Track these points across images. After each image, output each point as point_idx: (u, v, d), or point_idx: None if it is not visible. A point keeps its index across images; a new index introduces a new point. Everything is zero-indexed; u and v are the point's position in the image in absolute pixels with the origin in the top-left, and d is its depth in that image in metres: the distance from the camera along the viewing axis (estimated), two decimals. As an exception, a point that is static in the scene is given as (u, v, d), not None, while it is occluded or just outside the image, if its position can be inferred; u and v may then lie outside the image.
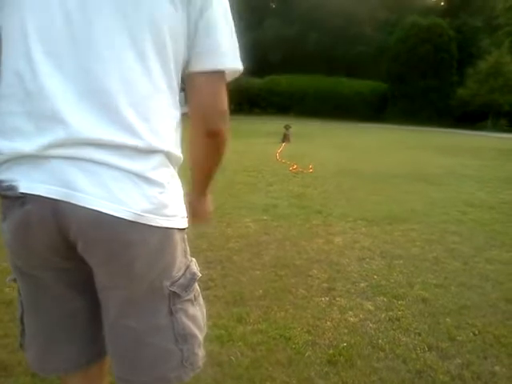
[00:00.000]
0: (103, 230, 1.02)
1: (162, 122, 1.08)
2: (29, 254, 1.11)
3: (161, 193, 1.06)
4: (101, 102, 1.01)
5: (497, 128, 29.64)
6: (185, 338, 1.16)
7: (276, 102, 36.55)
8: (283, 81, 37.12)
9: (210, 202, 1.45)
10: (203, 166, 1.29)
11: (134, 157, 1.03)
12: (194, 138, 1.20)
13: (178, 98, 1.15)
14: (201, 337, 1.21)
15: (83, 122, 1.00)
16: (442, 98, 34.41)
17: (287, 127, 14.72)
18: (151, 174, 1.05)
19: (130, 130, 1.02)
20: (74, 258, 1.09)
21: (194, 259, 1.24)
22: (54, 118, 1.00)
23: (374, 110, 35.80)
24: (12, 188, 1.00)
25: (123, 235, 1.03)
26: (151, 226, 1.04)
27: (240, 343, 2.51)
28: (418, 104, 34.26)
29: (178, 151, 1.13)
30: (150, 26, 1.03)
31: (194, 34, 1.10)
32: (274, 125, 18.68)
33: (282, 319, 2.84)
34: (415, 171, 9.60)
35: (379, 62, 37.37)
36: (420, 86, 34.55)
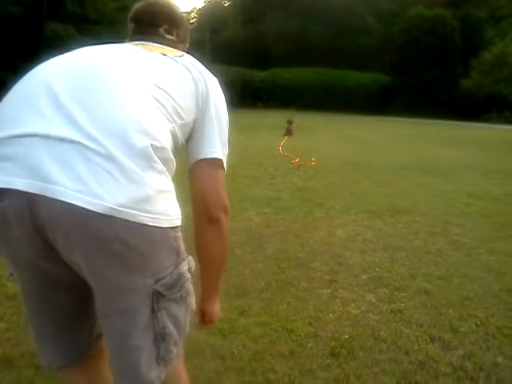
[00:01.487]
0: (76, 225, 0.98)
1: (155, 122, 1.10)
2: (11, 254, 1.11)
3: (142, 186, 1.02)
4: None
5: (501, 120, 29.47)
6: (163, 336, 1.14)
7: (278, 95, 36.48)
8: (286, 74, 37.02)
9: (219, 304, 1.46)
10: (209, 254, 1.32)
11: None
12: (197, 225, 1.26)
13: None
14: (178, 336, 1.18)
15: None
16: (446, 90, 34.25)
17: (290, 121, 14.68)
18: (131, 166, 1.01)
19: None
20: (56, 259, 1.07)
21: (189, 258, 1.20)
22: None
23: (377, 103, 35.68)
24: None
25: (97, 230, 0.99)
26: (130, 221, 0.99)
27: (242, 336, 2.52)
28: (422, 96, 34.09)
29: (165, 144, 1.10)
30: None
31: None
32: (277, 118, 18.62)
33: (284, 311, 2.84)
34: (418, 163, 9.57)
35: (382, 54, 37.18)
36: (424, 77, 34.39)
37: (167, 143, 1.11)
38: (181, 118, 1.18)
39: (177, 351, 1.20)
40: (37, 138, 1.00)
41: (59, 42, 26.26)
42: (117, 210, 0.97)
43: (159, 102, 1.13)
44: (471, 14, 37.65)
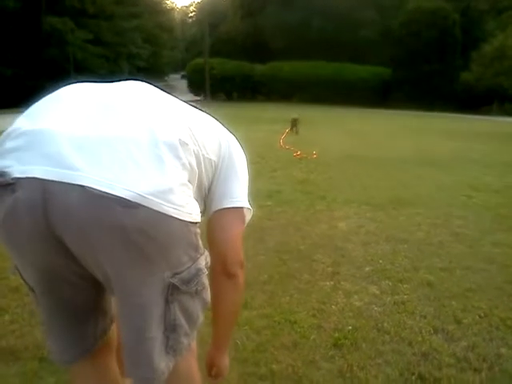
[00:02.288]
0: (95, 212, 0.95)
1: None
2: (18, 246, 1.09)
3: (167, 176, 1.00)
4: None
5: (502, 112, 29.38)
6: (174, 327, 1.14)
7: (279, 88, 36.32)
8: (286, 67, 36.83)
9: (228, 358, 1.47)
10: (223, 305, 1.34)
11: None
12: (214, 275, 1.28)
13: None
14: (190, 328, 1.18)
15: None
16: (446, 83, 34.09)
17: (294, 121, 13.34)
18: (157, 154, 1.01)
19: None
20: (64, 254, 1.05)
21: (206, 253, 1.20)
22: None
23: (377, 96, 35.55)
24: (3, 174, 0.95)
25: (117, 218, 0.96)
26: (153, 210, 0.97)
27: (246, 327, 2.52)
28: (423, 89, 33.94)
29: (191, 148, 1.12)
30: None
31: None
32: (277, 111, 18.59)
33: (286, 303, 2.84)
34: (420, 156, 9.55)
35: (382, 47, 37.00)
36: (424, 70, 34.21)
37: (193, 150, 1.12)
38: (206, 151, 1.19)
39: (187, 342, 1.20)
40: (54, 130, 0.99)
41: (57, 36, 26.20)
42: (142, 196, 0.95)
43: (189, 130, 1.15)
44: (472, 6, 37.45)
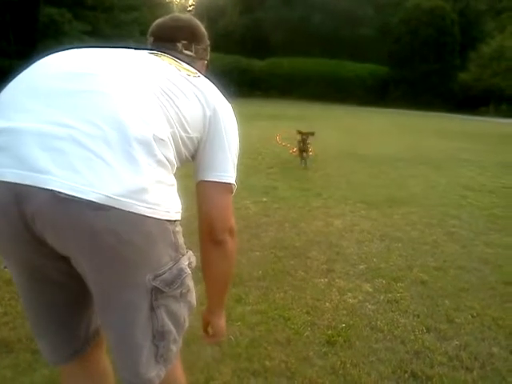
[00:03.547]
0: (66, 216, 0.92)
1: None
2: (1, 248, 1.07)
3: (139, 175, 0.96)
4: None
5: (498, 113, 29.49)
6: (162, 334, 1.11)
7: (277, 84, 36.32)
8: (285, 63, 36.82)
9: (224, 319, 1.44)
10: (214, 274, 1.31)
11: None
12: (202, 244, 1.25)
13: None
14: (177, 333, 1.16)
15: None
16: (443, 83, 34.21)
17: (304, 140, 7.67)
18: (129, 153, 0.96)
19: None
20: (47, 255, 1.03)
21: (190, 253, 1.16)
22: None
23: (375, 94, 35.63)
24: None
25: (88, 222, 0.93)
26: (125, 211, 0.93)
27: (239, 323, 2.52)
28: (420, 88, 34.06)
29: (166, 140, 1.05)
30: None
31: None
32: (275, 108, 18.57)
33: (281, 300, 2.84)
34: (416, 155, 9.58)
35: (380, 45, 37.04)
36: (422, 69, 34.32)
37: (169, 141, 1.06)
38: (185, 130, 1.14)
39: (176, 349, 1.18)
40: (27, 129, 0.95)
41: (55, 27, 26.00)
42: (111, 198, 0.91)
43: (162, 103, 1.08)
44: (471, 6, 37.51)
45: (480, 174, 7.81)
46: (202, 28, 1.47)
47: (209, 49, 1.51)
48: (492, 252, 3.87)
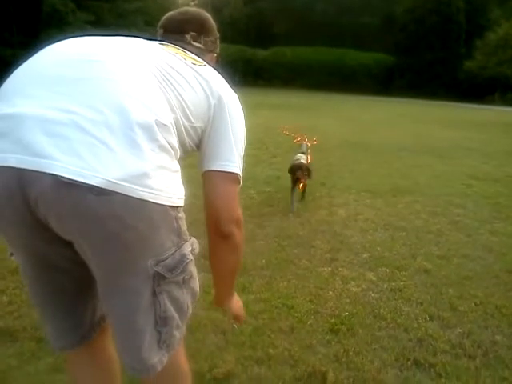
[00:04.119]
0: (69, 201, 0.92)
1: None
2: (7, 235, 1.08)
3: (142, 160, 0.96)
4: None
5: (504, 102, 29.24)
6: (165, 320, 1.11)
7: (281, 73, 36.13)
8: (288, 52, 36.60)
9: (236, 299, 1.49)
10: (221, 266, 1.32)
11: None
12: (208, 236, 1.25)
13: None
14: (180, 319, 1.16)
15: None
16: (448, 71, 33.93)
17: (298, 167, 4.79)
18: (131, 137, 0.96)
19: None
20: (52, 241, 1.03)
21: (193, 240, 1.16)
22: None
23: (379, 83, 35.40)
24: None
25: (91, 207, 0.93)
26: (128, 196, 0.93)
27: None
28: (425, 77, 33.80)
29: (169, 125, 1.05)
30: None
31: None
32: (279, 97, 18.49)
33: (284, 289, 2.85)
34: (420, 144, 9.53)
35: (385, 34, 36.72)
36: (427, 58, 34.01)
37: (171, 127, 1.05)
38: (188, 118, 1.13)
39: (179, 335, 1.18)
40: (30, 114, 0.95)
41: (58, 17, 25.90)
42: (114, 183, 0.91)
43: (165, 90, 1.08)
44: (477, -7, 37.06)
45: (485, 163, 7.77)
46: (212, 21, 1.47)
47: (218, 42, 1.50)
48: (496, 240, 3.86)
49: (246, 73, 36.33)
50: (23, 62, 1.13)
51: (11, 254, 1.18)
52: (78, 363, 1.36)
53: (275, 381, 1.99)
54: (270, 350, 2.20)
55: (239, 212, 1.24)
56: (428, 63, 33.90)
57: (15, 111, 0.97)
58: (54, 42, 1.17)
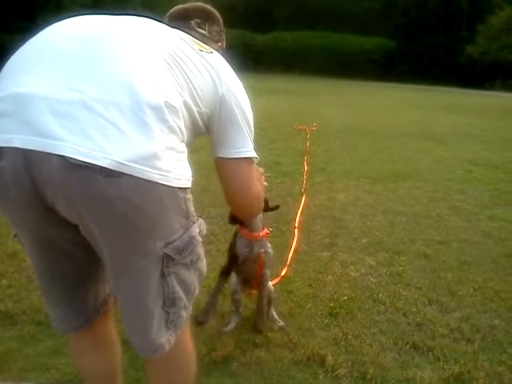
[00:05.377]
0: (78, 183, 0.91)
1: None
2: (12, 216, 1.07)
3: (151, 141, 0.95)
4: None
5: (506, 87, 29.07)
6: (173, 301, 1.12)
7: (280, 58, 35.88)
8: (288, 37, 36.30)
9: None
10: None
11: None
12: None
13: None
14: (187, 300, 1.17)
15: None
16: (450, 56, 33.68)
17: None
18: (141, 118, 0.95)
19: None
20: (57, 224, 1.03)
21: (200, 221, 1.16)
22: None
23: (380, 68, 35.18)
24: None
25: (101, 189, 0.92)
26: (137, 178, 0.93)
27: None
28: (426, 62, 33.55)
29: (178, 107, 1.03)
30: None
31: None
32: (279, 82, 18.37)
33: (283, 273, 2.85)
34: (421, 130, 9.49)
35: (386, 18, 36.37)
36: (428, 43, 33.73)
37: (180, 109, 1.04)
38: (196, 103, 1.12)
39: (186, 315, 1.20)
40: (37, 94, 0.93)
41: (55, 2, 25.61)
42: (124, 164, 0.90)
43: (175, 73, 1.06)
44: (479, -24, 36.60)
45: (485, 149, 7.75)
46: (218, 14, 1.49)
47: (224, 34, 1.51)
48: (496, 226, 3.86)
49: (245, 58, 36.00)
50: (21, 45, 1.10)
51: (15, 236, 1.18)
52: (80, 346, 1.37)
53: (274, 364, 2.00)
54: (269, 334, 2.21)
55: (256, 193, 1.34)
56: (429, 48, 33.64)
57: (21, 91, 0.95)
58: (47, 27, 1.14)
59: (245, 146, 1.22)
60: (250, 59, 35.77)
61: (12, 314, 2.27)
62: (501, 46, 30.33)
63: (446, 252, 3.28)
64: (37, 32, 1.13)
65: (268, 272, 2.16)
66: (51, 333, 2.07)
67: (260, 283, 2.13)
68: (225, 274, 2.17)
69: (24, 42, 1.11)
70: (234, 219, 2.09)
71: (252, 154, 1.24)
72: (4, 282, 2.59)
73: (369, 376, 1.94)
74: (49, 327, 2.10)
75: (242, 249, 2.07)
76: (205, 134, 1.23)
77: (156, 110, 0.96)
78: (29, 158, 0.90)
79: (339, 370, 1.96)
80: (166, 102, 0.99)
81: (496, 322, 2.41)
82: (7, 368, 1.90)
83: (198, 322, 1.96)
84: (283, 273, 2.62)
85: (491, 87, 29.61)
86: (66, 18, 1.17)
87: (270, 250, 2.12)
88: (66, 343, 1.60)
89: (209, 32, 1.42)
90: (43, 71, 0.98)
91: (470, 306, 2.56)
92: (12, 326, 2.18)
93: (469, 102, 18.91)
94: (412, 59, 34.36)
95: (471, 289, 2.75)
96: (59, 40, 1.06)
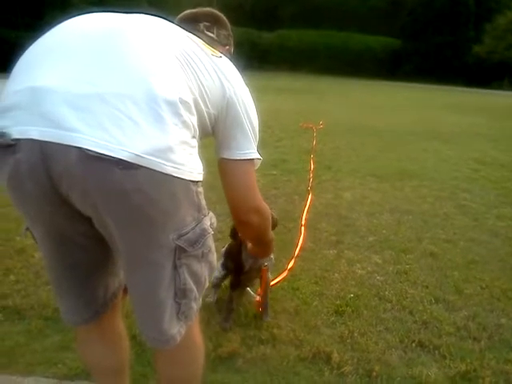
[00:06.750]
0: (94, 175, 0.92)
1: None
2: (26, 209, 1.08)
3: (166, 134, 0.96)
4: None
5: (513, 87, 28.91)
6: (184, 292, 1.14)
7: (287, 57, 35.84)
8: (294, 36, 36.25)
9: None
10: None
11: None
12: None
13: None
14: (198, 292, 1.19)
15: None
16: (457, 55, 33.51)
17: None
18: (157, 111, 0.96)
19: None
20: (71, 216, 1.04)
21: (211, 214, 1.19)
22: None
23: (386, 67, 35.08)
24: (3, 135, 0.92)
25: (117, 181, 0.93)
26: (152, 170, 0.94)
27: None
28: (433, 61, 33.39)
29: (191, 103, 1.05)
30: None
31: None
32: (284, 81, 18.36)
33: (289, 270, 2.85)
34: (427, 129, 9.46)
35: (393, 17, 36.23)
36: (435, 42, 33.57)
37: (192, 105, 1.05)
38: (205, 103, 1.13)
39: (196, 307, 1.21)
40: (54, 87, 0.94)
41: (62, -1, 25.70)
42: (140, 157, 0.91)
43: (187, 72, 1.07)
44: (487, -25, 36.36)
45: (492, 148, 7.71)
46: (226, 19, 1.51)
47: (231, 39, 1.52)
48: (503, 225, 3.84)
49: (251, 56, 36.05)
50: (28, 43, 1.11)
51: (27, 229, 1.18)
52: (89, 340, 1.38)
53: (280, 360, 2.00)
54: (275, 331, 2.21)
55: (258, 201, 1.31)
56: (436, 47, 33.46)
57: (36, 84, 0.95)
58: (58, 24, 1.14)
59: (249, 148, 1.24)
60: (256, 58, 35.81)
61: (20, 309, 2.28)
62: (508, 46, 30.15)
63: (453, 250, 3.27)
64: (44, 29, 1.13)
65: (270, 276, 2.34)
66: (58, 328, 2.08)
67: (262, 287, 2.30)
68: (235, 286, 2.27)
69: (31, 39, 1.11)
70: (234, 234, 2.17)
71: (256, 155, 1.25)
72: (12, 277, 2.61)
73: (374, 374, 1.94)
74: (56, 322, 2.12)
75: (247, 260, 2.16)
76: (210, 136, 1.24)
77: (171, 104, 0.98)
78: (44, 150, 0.91)
79: (345, 368, 1.96)
80: (180, 97, 1.00)
81: (503, 320, 2.40)
82: (15, 362, 1.92)
83: (223, 327, 2.16)
84: (290, 265, 2.77)
85: (499, 86, 29.44)
86: (73, 15, 1.17)
87: (272, 256, 2.23)
88: (73, 338, 1.61)
89: (217, 35, 1.44)
90: (58, 66, 0.99)
91: (476, 304, 2.55)
92: (20, 321, 2.19)
93: (475, 101, 18.82)
94: (418, 59, 34.19)
95: (478, 287, 2.74)
96: (72, 36, 1.07)
